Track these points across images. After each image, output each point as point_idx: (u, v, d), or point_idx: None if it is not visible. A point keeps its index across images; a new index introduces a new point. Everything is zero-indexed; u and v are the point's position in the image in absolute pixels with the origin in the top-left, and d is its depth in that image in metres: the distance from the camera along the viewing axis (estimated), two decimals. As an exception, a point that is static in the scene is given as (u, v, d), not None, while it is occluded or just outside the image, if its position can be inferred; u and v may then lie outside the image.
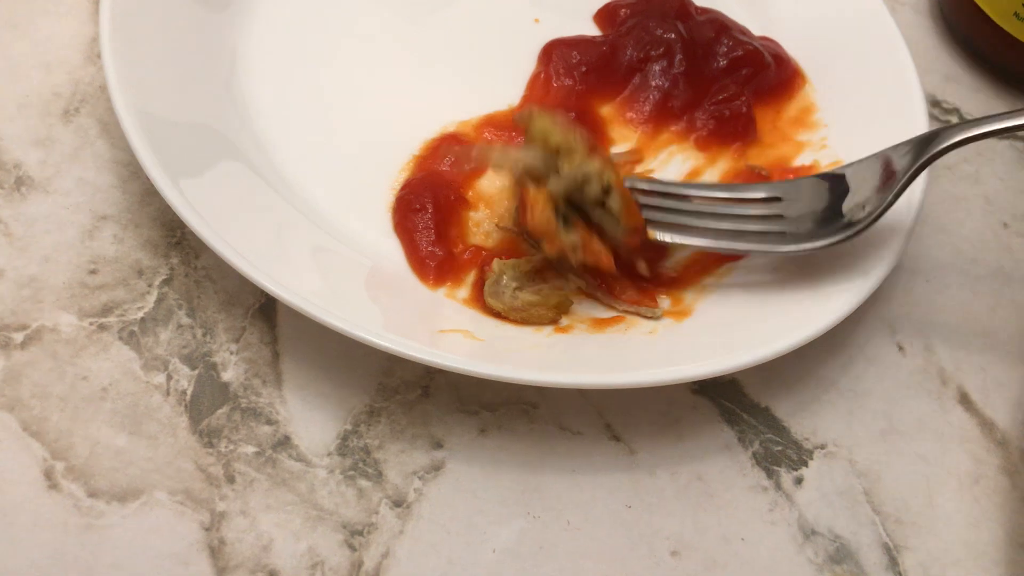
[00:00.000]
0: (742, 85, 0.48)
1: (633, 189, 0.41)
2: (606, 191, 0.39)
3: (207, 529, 0.35)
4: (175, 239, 0.41)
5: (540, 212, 0.39)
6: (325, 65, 0.46)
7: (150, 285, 0.40)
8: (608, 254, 0.39)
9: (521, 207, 0.40)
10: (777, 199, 0.42)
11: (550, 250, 0.39)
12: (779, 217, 0.41)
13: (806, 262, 0.42)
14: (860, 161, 0.41)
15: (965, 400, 0.43)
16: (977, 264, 0.48)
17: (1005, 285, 0.47)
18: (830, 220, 0.40)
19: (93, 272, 0.40)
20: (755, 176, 0.46)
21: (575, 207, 0.39)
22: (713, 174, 0.46)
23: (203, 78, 0.43)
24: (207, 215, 0.37)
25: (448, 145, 0.44)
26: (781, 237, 0.41)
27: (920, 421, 0.42)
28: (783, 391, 0.42)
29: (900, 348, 0.44)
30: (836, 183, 0.41)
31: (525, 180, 0.39)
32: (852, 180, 0.41)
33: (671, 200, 0.42)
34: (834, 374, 0.43)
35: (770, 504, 0.39)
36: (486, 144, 0.44)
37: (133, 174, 0.42)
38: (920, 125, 0.46)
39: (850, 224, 0.40)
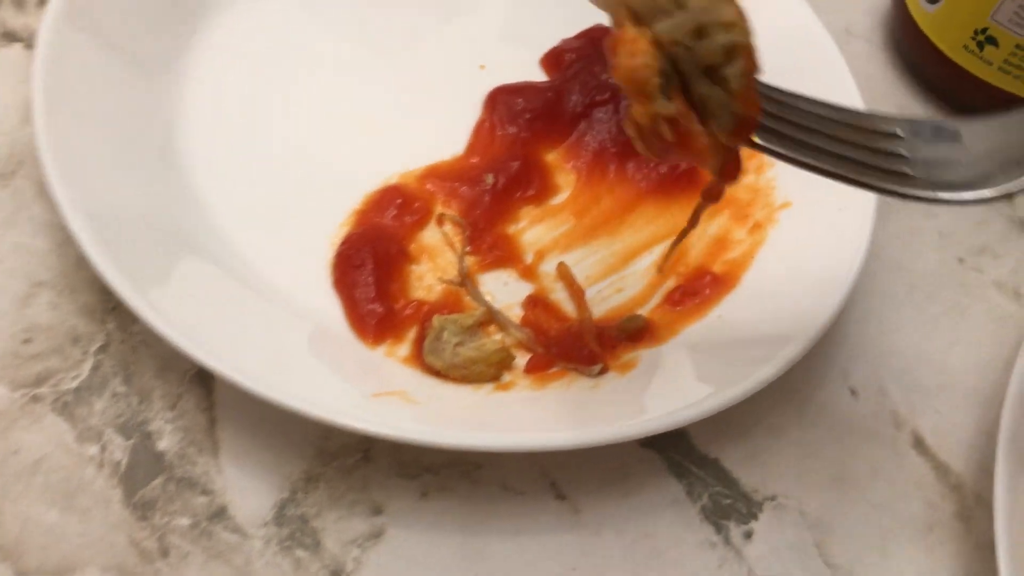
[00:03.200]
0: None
1: None
2: (729, 54, 0.29)
3: (140, 606, 0.35)
4: (111, 304, 0.41)
5: (640, 54, 0.29)
6: (263, 120, 0.46)
7: (85, 353, 0.39)
8: (708, 142, 0.30)
9: (611, 48, 0.30)
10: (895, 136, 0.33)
11: (637, 114, 0.30)
12: (901, 157, 0.32)
13: (750, 306, 0.42)
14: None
15: (919, 444, 0.42)
16: (932, 301, 0.47)
17: (960, 322, 0.46)
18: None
19: (27, 341, 0.39)
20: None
21: (678, 71, 0.30)
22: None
23: (136, 138, 0.42)
24: (137, 281, 0.36)
25: (390, 198, 0.44)
26: (909, 180, 0.32)
27: (873, 468, 0.41)
28: (732, 441, 0.41)
29: (853, 392, 0.43)
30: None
31: (622, 16, 0.30)
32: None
33: (783, 103, 0.33)
34: (785, 422, 0.42)
35: (719, 560, 0.38)
36: None
37: (69, 238, 0.41)
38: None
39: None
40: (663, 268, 0.43)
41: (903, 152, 0.32)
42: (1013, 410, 0.39)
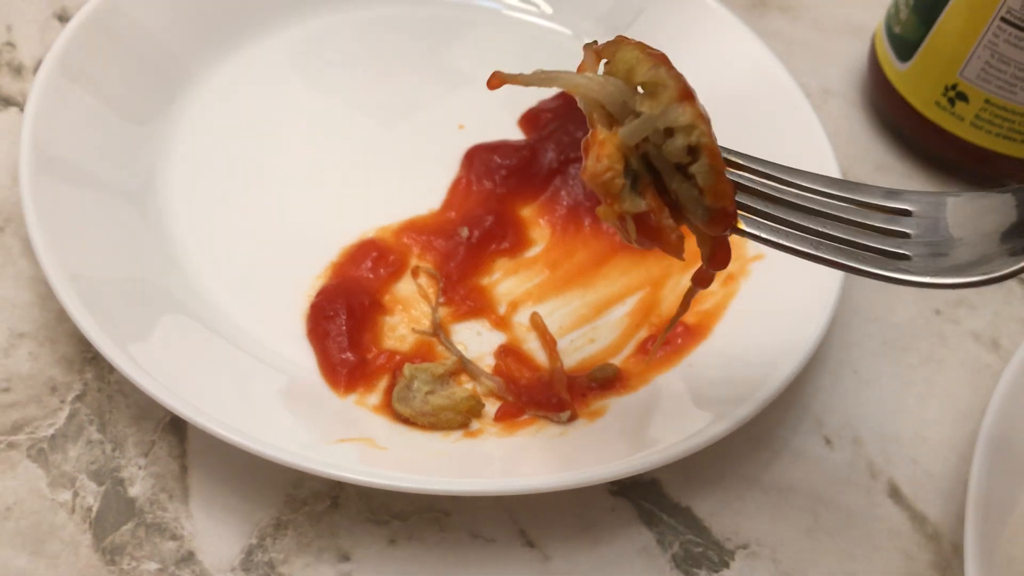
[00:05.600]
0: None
1: (726, 161, 0.32)
2: (693, 152, 0.30)
3: (102, 652, 0.35)
4: (90, 355, 0.41)
5: (604, 158, 0.30)
6: (245, 175, 0.47)
7: (62, 401, 0.40)
8: (678, 236, 0.31)
9: (584, 149, 0.31)
10: (907, 212, 0.32)
11: (605, 213, 0.31)
12: (904, 235, 0.32)
13: (721, 356, 0.42)
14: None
15: (895, 494, 0.42)
16: (908, 353, 0.47)
17: (937, 373, 0.46)
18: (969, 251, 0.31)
19: (6, 390, 0.40)
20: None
21: (650, 167, 0.31)
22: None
23: (119, 191, 0.44)
24: (114, 333, 0.37)
25: (366, 251, 0.45)
26: (907, 262, 0.31)
27: (848, 517, 0.41)
28: (705, 489, 0.41)
29: (827, 441, 0.43)
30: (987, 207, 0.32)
31: (594, 116, 0.31)
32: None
33: (771, 185, 0.32)
34: (758, 470, 0.42)
35: (689, 609, 0.38)
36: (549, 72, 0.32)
37: (52, 292, 0.43)
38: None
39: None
40: (652, 353, 0.43)
41: (907, 230, 0.32)
42: (982, 459, 0.39)
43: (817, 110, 0.50)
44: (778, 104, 0.51)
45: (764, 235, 0.32)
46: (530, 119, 0.51)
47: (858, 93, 0.58)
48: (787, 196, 0.32)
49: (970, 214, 0.32)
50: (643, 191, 0.31)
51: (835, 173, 0.47)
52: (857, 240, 0.32)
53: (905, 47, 0.52)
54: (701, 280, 0.34)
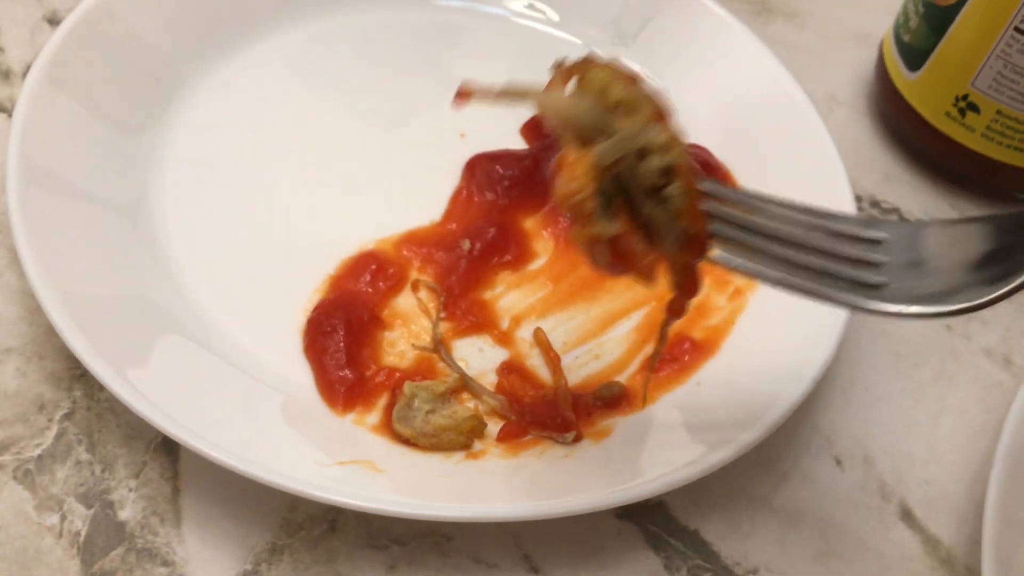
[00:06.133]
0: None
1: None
2: (667, 173, 0.29)
3: None
4: (79, 371, 0.40)
5: (576, 180, 0.30)
6: (239, 186, 0.46)
7: (50, 420, 0.39)
8: (651, 262, 0.31)
9: (556, 168, 0.31)
10: (881, 240, 0.31)
11: (577, 236, 0.31)
12: (879, 264, 0.31)
13: (729, 373, 0.41)
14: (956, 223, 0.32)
15: (907, 516, 0.41)
16: (919, 369, 0.46)
17: (948, 390, 0.45)
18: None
19: (-9, 408, 0.39)
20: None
21: (624, 190, 0.30)
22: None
23: (110, 205, 0.42)
24: (103, 350, 0.36)
25: (365, 264, 0.43)
26: (882, 290, 0.30)
27: (860, 541, 0.40)
28: (713, 512, 0.40)
29: (838, 462, 0.42)
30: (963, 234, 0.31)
31: (566, 136, 0.31)
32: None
33: (743, 211, 0.32)
34: (767, 492, 0.41)
35: (698, 637, 0.37)
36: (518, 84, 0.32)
37: (40, 306, 0.41)
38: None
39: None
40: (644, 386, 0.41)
41: (880, 259, 0.31)
42: (1000, 478, 0.38)
43: (824, 118, 0.49)
44: (785, 112, 0.50)
45: (736, 263, 0.31)
46: (533, 128, 0.50)
47: (865, 102, 0.57)
48: (759, 224, 0.31)
49: (947, 242, 0.31)
50: (615, 214, 0.30)
51: (843, 182, 0.46)
52: (831, 268, 0.31)
53: (915, 56, 0.51)
54: (675, 311, 0.34)
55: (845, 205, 0.46)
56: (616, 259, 0.31)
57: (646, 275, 0.31)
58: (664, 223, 0.30)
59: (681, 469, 0.37)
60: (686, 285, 0.32)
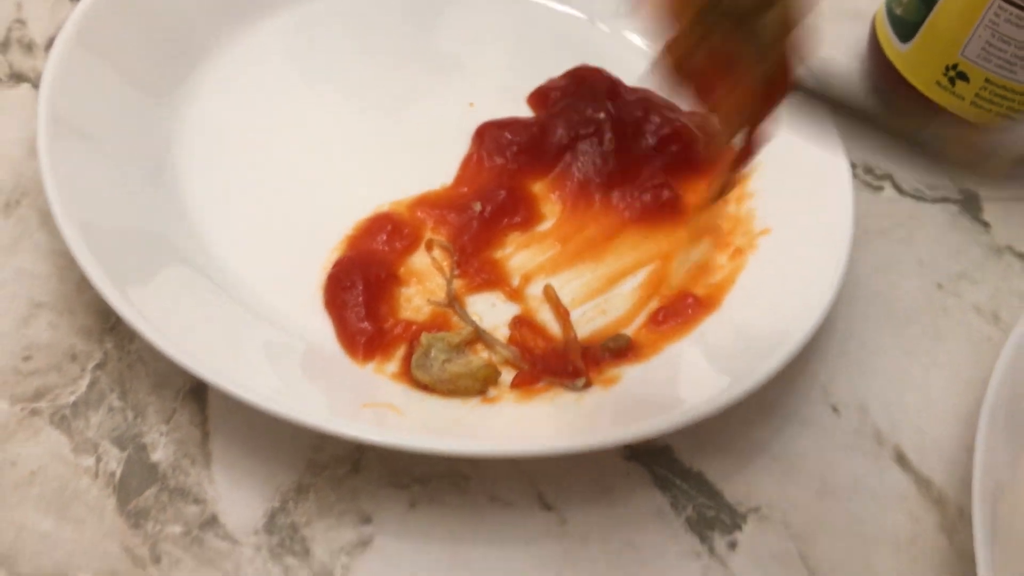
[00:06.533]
0: (672, 163, 0.50)
1: None
2: (764, 4, 0.28)
3: (130, 612, 0.35)
4: (109, 324, 0.42)
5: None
6: (260, 148, 0.48)
7: (83, 370, 0.41)
8: (734, 91, 0.30)
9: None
10: None
11: (667, 55, 0.29)
12: None
13: (731, 326, 0.43)
14: None
15: (901, 460, 0.43)
16: (912, 325, 0.48)
17: (939, 345, 0.47)
18: None
19: (27, 359, 0.40)
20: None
21: (724, 17, 0.29)
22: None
23: (137, 163, 0.44)
24: (134, 298, 0.38)
25: (381, 224, 0.45)
26: None
27: (856, 482, 0.42)
28: (716, 456, 0.42)
29: (835, 410, 0.44)
30: None
31: None
32: None
33: None
34: (767, 437, 0.43)
35: (703, 570, 0.39)
36: None
37: (71, 263, 0.43)
38: (846, 190, 0.47)
39: None
40: (694, 229, 0.42)
41: None
42: (987, 425, 0.40)
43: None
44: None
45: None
46: (539, 97, 0.52)
47: (858, 76, 0.59)
48: None
49: None
50: (709, 34, 0.29)
51: (840, 155, 0.48)
52: None
53: (906, 28, 0.53)
54: (747, 152, 0.33)
55: (840, 168, 0.48)
56: (700, 85, 0.30)
57: (724, 110, 0.30)
58: (755, 51, 0.29)
59: (687, 410, 0.39)
60: (763, 114, 0.31)
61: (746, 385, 0.39)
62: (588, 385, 0.41)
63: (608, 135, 0.49)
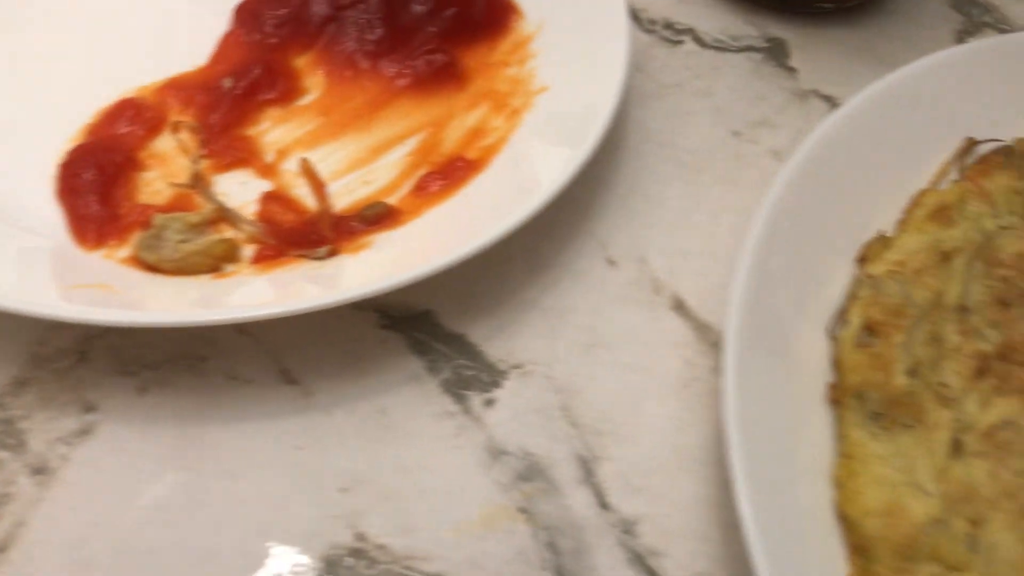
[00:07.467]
0: (448, 28, 0.47)
1: None
2: None
3: None
4: None
5: None
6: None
7: None
8: None
9: None
10: None
11: None
12: None
13: (496, 185, 0.41)
14: None
15: (679, 306, 0.41)
16: (702, 173, 0.46)
17: (730, 191, 0.45)
18: None
19: None
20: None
21: None
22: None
23: None
24: None
25: (122, 110, 0.43)
26: None
27: (629, 332, 0.40)
28: (481, 317, 0.40)
29: (611, 263, 0.42)
30: None
31: None
32: None
33: None
34: (537, 294, 0.41)
35: (456, 429, 0.37)
36: None
37: None
38: (622, 41, 0.44)
39: None
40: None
41: None
42: (748, 263, 0.38)
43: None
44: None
45: None
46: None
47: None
48: None
49: None
50: None
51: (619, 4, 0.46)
52: None
53: None
54: None
55: (619, 19, 0.45)
56: None
57: None
58: None
59: (430, 260, 0.36)
60: None
61: (489, 236, 0.37)
62: (334, 253, 0.39)
63: (375, 2, 0.47)
